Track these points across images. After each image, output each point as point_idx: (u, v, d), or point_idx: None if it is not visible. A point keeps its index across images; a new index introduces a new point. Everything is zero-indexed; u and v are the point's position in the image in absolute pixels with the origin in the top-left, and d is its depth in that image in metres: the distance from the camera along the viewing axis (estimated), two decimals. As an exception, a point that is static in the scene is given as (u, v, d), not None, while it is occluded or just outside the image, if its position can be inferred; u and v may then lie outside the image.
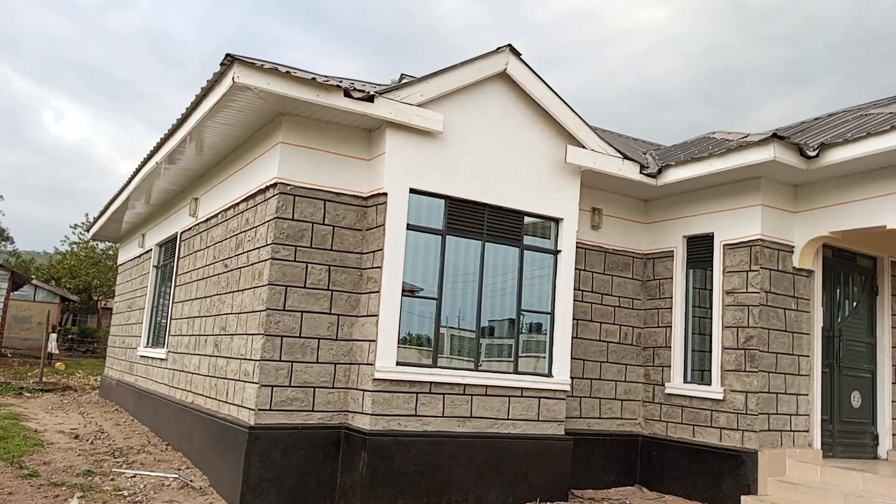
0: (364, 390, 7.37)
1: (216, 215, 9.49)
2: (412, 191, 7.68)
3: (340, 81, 7.48)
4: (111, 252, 39.08)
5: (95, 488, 7.43)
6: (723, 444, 8.54)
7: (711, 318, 8.93)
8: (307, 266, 7.56)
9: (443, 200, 7.91)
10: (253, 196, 8.15)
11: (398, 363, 7.41)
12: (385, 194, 7.55)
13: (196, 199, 10.38)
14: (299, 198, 7.58)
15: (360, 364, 7.53)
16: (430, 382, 7.58)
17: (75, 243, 40.64)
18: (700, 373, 9.19)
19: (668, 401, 9.34)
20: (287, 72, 6.87)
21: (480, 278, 8.11)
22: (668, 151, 11.57)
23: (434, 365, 7.70)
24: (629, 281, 9.84)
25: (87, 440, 10.00)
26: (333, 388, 7.59)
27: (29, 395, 16.41)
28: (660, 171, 8.97)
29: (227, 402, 8.02)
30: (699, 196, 9.22)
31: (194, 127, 7.99)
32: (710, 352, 8.92)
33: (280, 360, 7.33)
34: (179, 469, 8.43)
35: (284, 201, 7.50)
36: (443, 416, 7.63)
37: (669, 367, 9.39)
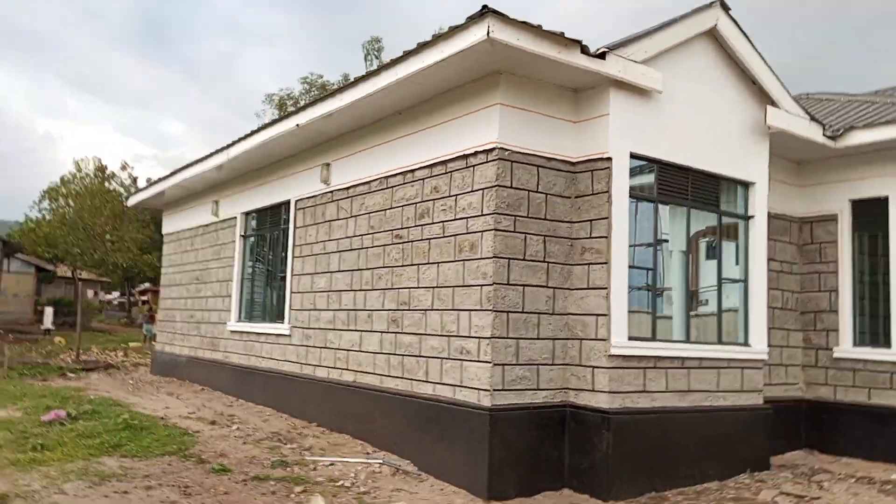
0: (596, 367, 7.01)
1: (368, 182, 8.83)
2: (632, 156, 7.26)
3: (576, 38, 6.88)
4: (85, 217, 36.96)
5: (309, 480, 6.91)
6: (906, 407, 8.54)
7: (888, 283, 8.84)
8: (525, 237, 7.08)
9: (655, 165, 7.51)
10: (444, 162, 7.57)
11: (630, 338, 7.06)
12: (609, 159, 7.09)
13: (327, 164, 9.66)
14: (516, 164, 7.06)
15: (582, 339, 7.14)
16: (655, 357, 7.27)
17: (46, 210, 38.33)
18: (870, 335, 9.14)
19: (836, 365, 9.28)
20: (538, 26, 6.29)
21: (687, 246, 7.79)
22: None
23: (653, 338, 7.39)
24: (788, 245, 9.67)
25: (227, 426, 9.35)
26: (553, 364, 7.20)
27: (73, 375, 15.41)
28: (842, 134, 8.74)
29: (428, 382, 7.53)
30: (869, 159, 9.05)
31: (393, 82, 7.26)
32: (887, 316, 8.85)
33: (508, 338, 6.90)
34: (367, 453, 7.94)
35: (504, 168, 6.97)
36: (666, 391, 7.35)
37: (835, 331, 9.31)
